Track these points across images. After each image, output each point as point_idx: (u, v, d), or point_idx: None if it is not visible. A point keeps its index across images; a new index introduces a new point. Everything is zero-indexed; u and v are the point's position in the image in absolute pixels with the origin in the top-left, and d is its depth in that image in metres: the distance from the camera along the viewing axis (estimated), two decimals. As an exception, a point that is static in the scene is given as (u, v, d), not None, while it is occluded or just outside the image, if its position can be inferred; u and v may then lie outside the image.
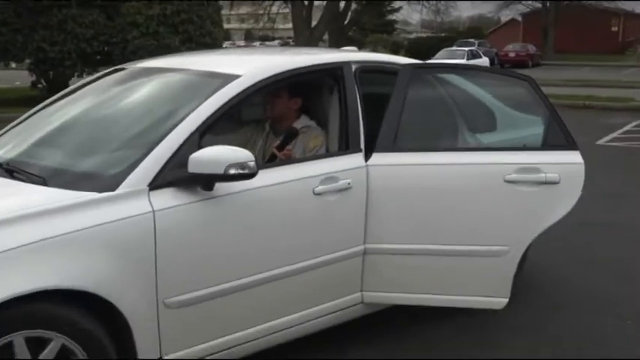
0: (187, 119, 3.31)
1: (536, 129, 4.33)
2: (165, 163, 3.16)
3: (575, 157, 4.17)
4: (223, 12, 24.50)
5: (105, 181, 3.09)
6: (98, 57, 18.37)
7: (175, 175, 3.16)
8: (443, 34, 59.13)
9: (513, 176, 3.97)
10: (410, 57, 5.22)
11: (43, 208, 2.88)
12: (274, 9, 54.67)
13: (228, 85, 3.52)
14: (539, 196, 4.03)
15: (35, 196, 3.04)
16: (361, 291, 4.01)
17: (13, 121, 4.32)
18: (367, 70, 4.16)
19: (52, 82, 19.66)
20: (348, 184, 3.74)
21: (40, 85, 19.98)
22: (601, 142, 12.57)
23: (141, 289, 3.02)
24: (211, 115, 3.37)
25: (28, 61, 19.23)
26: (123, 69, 4.47)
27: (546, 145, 4.22)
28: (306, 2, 52.34)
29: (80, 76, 18.90)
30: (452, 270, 4.06)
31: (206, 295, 3.26)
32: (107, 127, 3.75)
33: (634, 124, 14.74)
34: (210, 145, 3.22)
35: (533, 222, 4.09)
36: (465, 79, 4.61)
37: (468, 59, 33.16)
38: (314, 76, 4.08)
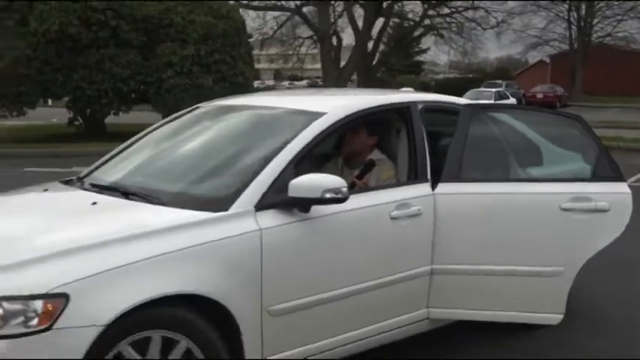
0: (285, 150, 3.83)
1: (580, 163, 4.85)
2: (268, 187, 3.66)
3: (622, 188, 4.63)
4: (253, 52, 25.29)
5: (218, 203, 3.59)
6: (133, 95, 18.97)
7: (277, 198, 3.65)
8: (470, 75, 59.44)
9: (568, 204, 4.42)
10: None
11: (169, 224, 3.42)
12: (303, 49, 55.67)
13: (317, 121, 4.04)
14: (591, 223, 4.48)
15: (161, 215, 3.56)
16: (427, 307, 4.41)
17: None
18: (431, 109, 4.69)
19: (89, 120, 20.29)
20: (419, 210, 4.19)
21: (77, 123, 20.61)
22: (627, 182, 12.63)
23: (249, 296, 3.47)
24: (304, 148, 3.89)
25: (66, 98, 19.90)
26: (201, 107, 5.08)
27: (596, 176, 4.69)
28: (334, 43, 53.33)
29: (116, 114, 19.48)
30: (512, 288, 4.45)
31: (302, 304, 3.72)
32: (212, 157, 4.29)
33: (660, 165, 14.80)
34: (300, 173, 3.71)
35: (586, 246, 4.52)
36: (516, 119, 5.11)
37: (495, 100, 33.36)
38: (386, 114, 4.63)
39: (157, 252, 3.23)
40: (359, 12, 53.18)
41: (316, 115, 4.09)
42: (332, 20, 52.71)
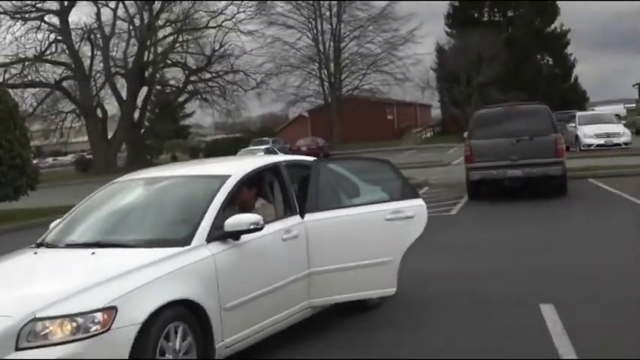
0: (214, 201, 5.57)
1: (391, 189, 6.88)
2: (210, 227, 5.39)
3: (420, 202, 6.79)
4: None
5: (182, 241, 5.27)
6: None
7: (218, 233, 5.39)
8: (238, 135, 61.36)
9: (389, 216, 6.49)
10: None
11: (157, 258, 5.03)
12: (67, 123, 54.15)
13: (228, 181, 5.81)
14: (405, 226, 6.56)
15: (149, 253, 5.12)
16: (309, 298, 6.22)
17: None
18: (291, 165, 6.68)
19: None
20: (297, 233, 6.09)
21: None
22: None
23: (212, 298, 5.16)
24: (224, 199, 5.64)
25: None
26: (116, 182, 6.65)
27: (403, 196, 6.75)
28: (99, 115, 52.65)
29: None
30: (362, 276, 6.30)
31: (243, 301, 5.41)
32: (160, 213, 5.97)
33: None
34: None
35: (404, 240, 6.59)
36: (342, 166, 7.13)
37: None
38: (264, 172, 6.48)
39: (159, 274, 4.89)
40: (121, 82, 53.34)
41: (225, 177, 5.86)
42: (94, 92, 52.31)
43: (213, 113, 57.75)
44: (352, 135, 57.94)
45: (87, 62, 51.11)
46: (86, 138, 54.45)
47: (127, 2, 51.83)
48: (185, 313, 4.96)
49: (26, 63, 47.94)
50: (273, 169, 6.49)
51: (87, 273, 4.95)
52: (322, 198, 6.42)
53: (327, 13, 58.67)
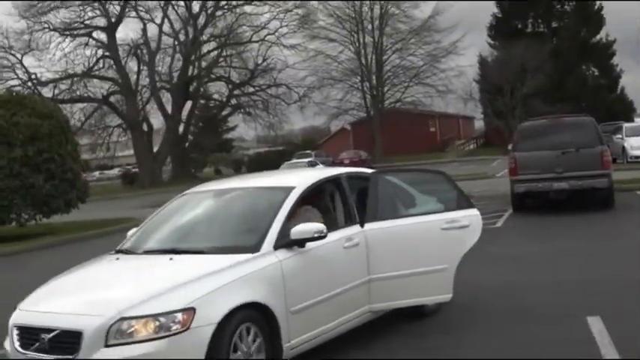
0: (280, 211, 5.93)
1: (447, 199, 7.12)
2: (277, 235, 5.73)
3: (475, 212, 7.02)
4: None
5: (252, 248, 5.61)
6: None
7: (284, 241, 5.73)
8: (281, 148, 61.77)
9: (445, 225, 6.74)
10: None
11: (230, 263, 5.41)
12: (113, 138, 55.31)
13: (293, 192, 6.18)
14: (460, 235, 6.80)
15: (223, 259, 5.48)
16: (369, 304, 6.52)
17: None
18: (351, 177, 7.00)
19: None
20: (357, 242, 6.39)
21: None
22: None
23: (280, 302, 5.49)
24: (290, 209, 6.00)
25: None
26: (186, 193, 7.11)
27: (458, 206, 7.00)
28: (145, 129, 53.65)
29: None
30: (419, 283, 6.56)
31: (308, 305, 5.75)
32: (231, 222, 6.41)
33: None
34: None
35: (459, 249, 6.81)
36: (399, 178, 7.43)
37: (308, 169, 35.42)
38: (328, 183, 6.79)
39: (232, 279, 5.26)
40: (166, 97, 54.33)
41: (290, 189, 6.23)
42: (140, 107, 53.33)
43: (255, 127, 58.47)
44: (394, 148, 57.89)
45: (133, 77, 52.35)
46: (132, 152, 55.52)
47: (172, 18, 52.93)
48: (255, 315, 5.31)
49: (75, 79, 49.35)
50: (335, 180, 6.82)
51: (166, 277, 5.35)
52: (381, 208, 6.72)
53: (369, 27, 58.79)
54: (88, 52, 50.27)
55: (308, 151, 50.88)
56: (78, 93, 49.86)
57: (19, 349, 5.17)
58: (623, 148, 27.99)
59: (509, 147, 16.19)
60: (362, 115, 62.08)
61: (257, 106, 55.93)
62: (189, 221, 6.65)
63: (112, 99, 52.00)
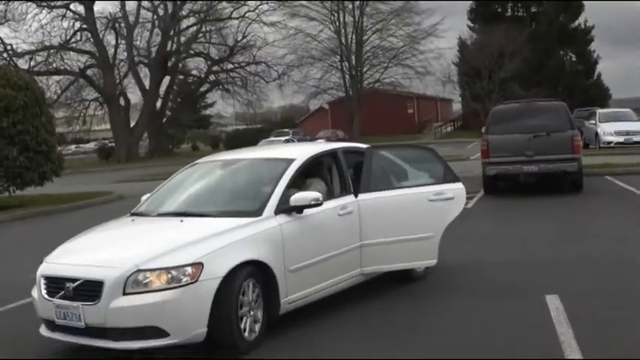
0: (281, 180, 6.49)
1: (434, 173, 7.74)
2: (278, 201, 6.29)
3: (459, 185, 7.62)
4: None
5: (255, 213, 6.22)
6: None
7: (284, 207, 6.29)
8: (259, 126, 61.70)
9: (432, 197, 7.36)
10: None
11: (234, 225, 6.00)
12: (90, 111, 54.83)
13: (294, 162, 6.74)
14: (445, 206, 7.43)
15: (228, 221, 6.08)
16: (360, 267, 7.08)
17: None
18: (347, 151, 7.54)
19: None
20: (351, 210, 6.94)
21: None
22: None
23: (279, 261, 6.05)
24: (290, 178, 6.55)
25: None
26: (198, 163, 7.74)
27: (445, 180, 7.60)
28: (122, 103, 53.22)
29: None
30: (408, 249, 7.16)
31: (304, 265, 6.31)
32: (237, 188, 7.04)
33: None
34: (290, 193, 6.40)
35: (443, 219, 7.45)
36: (391, 153, 7.98)
37: (285, 148, 35.44)
38: (325, 156, 7.29)
39: (236, 239, 5.83)
40: (144, 71, 53.83)
41: (291, 160, 6.79)
42: (117, 81, 52.87)
43: (234, 104, 58.26)
44: (372, 128, 57.90)
45: (111, 51, 51.79)
46: (109, 126, 55.09)
47: (151, -8, 52.23)
48: (257, 272, 5.88)
49: (51, 51, 48.67)
50: (332, 154, 7.36)
51: (177, 236, 5.94)
52: (374, 180, 7.27)
53: (350, 6, 58.56)
54: (65, 24, 49.66)
55: (286, 130, 50.86)
56: (54, 65, 49.18)
57: (46, 296, 5.77)
58: (596, 133, 28.37)
59: (483, 130, 16.38)
60: (341, 95, 61.93)
61: (236, 83, 55.58)
62: (198, 188, 7.24)
63: (89, 72, 51.47)
